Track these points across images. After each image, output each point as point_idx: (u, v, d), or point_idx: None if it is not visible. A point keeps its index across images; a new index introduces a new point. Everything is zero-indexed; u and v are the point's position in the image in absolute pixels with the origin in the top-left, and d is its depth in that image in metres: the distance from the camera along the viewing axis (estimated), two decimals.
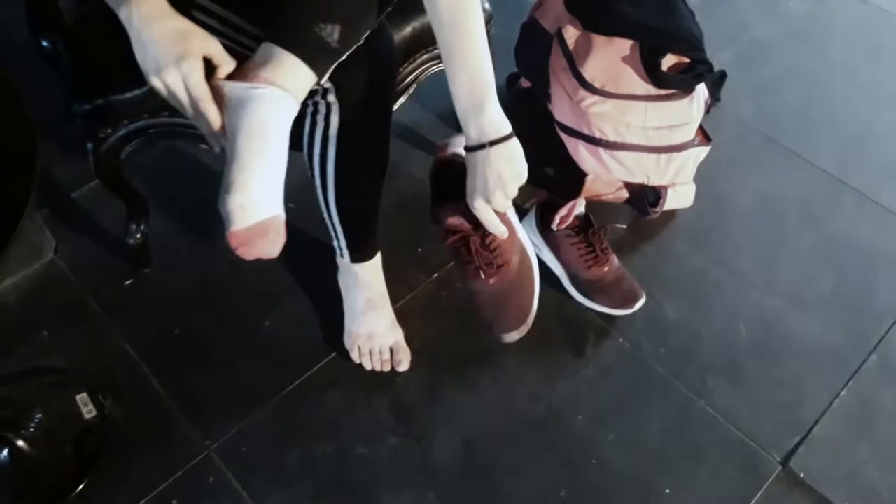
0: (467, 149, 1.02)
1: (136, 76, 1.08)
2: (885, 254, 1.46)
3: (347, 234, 1.20)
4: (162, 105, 1.10)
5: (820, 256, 1.46)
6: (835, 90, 1.76)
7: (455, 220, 1.12)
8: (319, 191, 1.14)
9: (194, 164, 1.52)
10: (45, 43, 1.06)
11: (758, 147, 1.64)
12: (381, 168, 1.15)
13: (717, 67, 1.43)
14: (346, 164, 1.09)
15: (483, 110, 0.98)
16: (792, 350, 1.32)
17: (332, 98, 1.01)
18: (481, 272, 1.13)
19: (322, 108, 1.03)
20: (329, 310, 1.30)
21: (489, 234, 1.10)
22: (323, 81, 0.96)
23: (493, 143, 1.00)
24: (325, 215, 1.18)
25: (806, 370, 1.30)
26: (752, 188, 1.56)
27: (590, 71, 1.37)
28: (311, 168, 1.11)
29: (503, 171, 1.01)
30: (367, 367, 1.25)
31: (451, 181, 1.13)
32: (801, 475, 1.17)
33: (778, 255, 1.46)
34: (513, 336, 1.18)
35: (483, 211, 1.05)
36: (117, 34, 1.12)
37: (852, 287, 1.41)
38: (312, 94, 1.01)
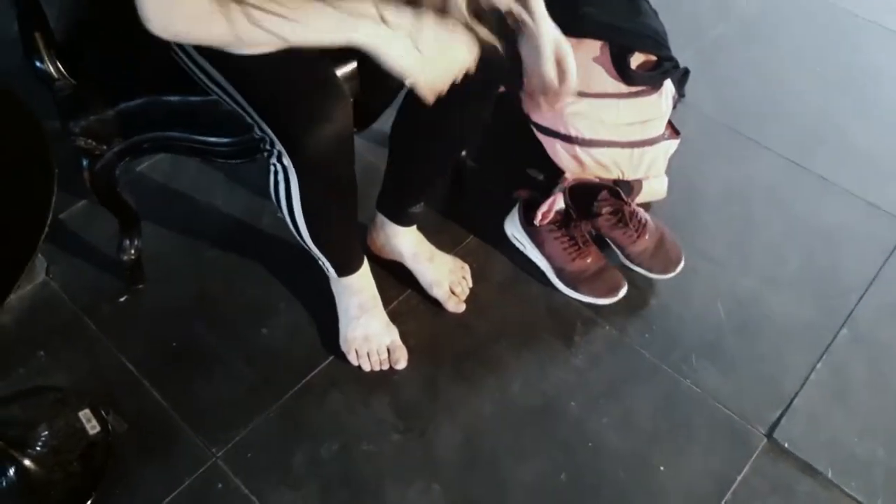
0: None
1: (130, 91, 1.12)
2: (847, 233, 1.54)
3: (329, 258, 1.22)
4: (156, 119, 1.13)
5: (787, 238, 1.53)
6: (789, 81, 1.85)
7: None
8: (293, 231, 1.14)
9: (180, 177, 1.54)
10: (38, 64, 1.08)
11: (722, 138, 1.72)
12: (350, 202, 1.15)
13: (680, 66, 1.50)
14: (313, 212, 1.10)
15: None
16: (768, 328, 1.39)
17: (286, 161, 1.01)
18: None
19: (280, 169, 1.03)
20: (324, 314, 1.33)
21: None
22: (275, 143, 0.99)
23: None
24: (304, 247, 1.19)
25: (783, 346, 1.37)
26: (720, 177, 1.64)
27: None
28: (281, 213, 1.12)
29: None
30: (366, 368, 1.29)
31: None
32: (786, 445, 1.23)
33: (748, 238, 1.53)
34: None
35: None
36: (110, 51, 1.15)
37: (820, 266, 1.49)
38: (269, 152, 1.02)
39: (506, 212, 1.50)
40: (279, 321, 1.35)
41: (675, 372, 1.31)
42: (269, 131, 1.00)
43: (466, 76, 1.07)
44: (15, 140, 0.85)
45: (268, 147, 1.03)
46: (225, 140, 1.15)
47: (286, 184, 1.06)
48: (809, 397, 1.30)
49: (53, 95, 1.11)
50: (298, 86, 0.98)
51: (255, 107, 1.00)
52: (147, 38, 1.08)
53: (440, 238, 1.44)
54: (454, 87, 1.09)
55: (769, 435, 1.25)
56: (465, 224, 1.51)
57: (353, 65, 1.14)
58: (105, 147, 1.13)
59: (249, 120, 1.03)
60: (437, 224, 1.48)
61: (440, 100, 1.12)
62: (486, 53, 1.08)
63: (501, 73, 1.12)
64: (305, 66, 1.00)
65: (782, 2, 2.07)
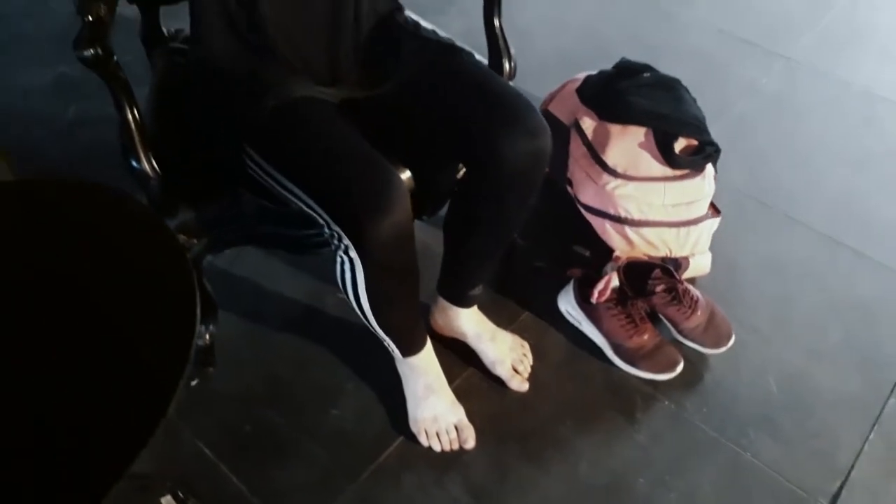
0: None
1: (222, 189, 1.18)
2: (883, 305, 1.61)
3: (394, 339, 1.27)
4: (247, 215, 1.19)
5: (827, 311, 1.59)
6: (814, 156, 1.95)
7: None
8: (360, 315, 1.21)
9: (243, 263, 1.59)
10: (135, 164, 1.14)
11: (755, 213, 1.80)
12: (412, 286, 1.20)
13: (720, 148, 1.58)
14: (378, 298, 1.16)
15: None
16: (818, 400, 1.44)
17: (353, 253, 1.08)
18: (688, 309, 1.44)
19: (346, 260, 1.10)
20: (391, 394, 1.37)
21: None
22: (342, 236, 1.05)
23: None
24: (370, 329, 1.24)
25: (834, 418, 1.41)
26: (757, 251, 1.71)
27: (611, 157, 1.51)
28: (348, 299, 1.18)
29: None
30: (437, 448, 1.32)
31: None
32: None
33: (789, 312, 1.59)
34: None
35: None
36: (197, 148, 1.22)
37: (860, 338, 1.55)
38: (337, 246, 1.09)
39: (557, 287, 1.55)
40: (348, 402, 1.39)
41: (734, 445, 1.35)
42: (335, 227, 1.07)
43: (517, 164, 1.14)
44: (157, 270, 0.89)
45: (336, 241, 1.10)
46: (310, 232, 1.20)
47: (352, 273, 1.12)
48: (866, 469, 1.34)
49: (147, 193, 1.17)
50: (360, 183, 1.05)
51: (322, 205, 1.08)
52: (228, 143, 1.15)
53: (495, 315, 1.49)
54: (505, 174, 1.16)
55: None
56: (518, 300, 1.56)
57: (406, 173, 1.21)
58: (195, 241, 1.18)
59: (319, 219, 1.09)
60: (490, 301, 1.53)
61: (492, 185, 1.19)
62: (535, 142, 1.15)
63: (547, 159, 1.18)
64: (364, 163, 1.07)
65: (800, 80, 2.18)
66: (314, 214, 1.09)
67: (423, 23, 1.26)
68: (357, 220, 1.04)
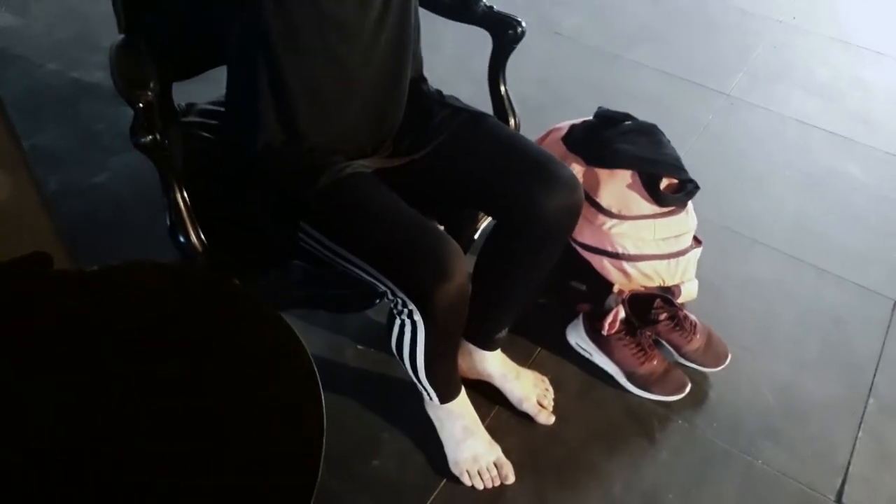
0: None
1: (269, 260, 1.22)
2: (849, 314, 1.79)
3: (435, 388, 1.34)
4: (295, 281, 1.24)
5: (802, 325, 1.76)
6: (765, 185, 2.14)
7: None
8: (410, 371, 1.28)
9: None
10: (182, 239, 1.18)
11: (726, 240, 1.96)
12: (459, 339, 1.28)
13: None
14: (433, 356, 1.24)
15: None
16: (810, 406, 1.59)
17: (417, 317, 1.15)
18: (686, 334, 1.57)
19: (408, 323, 1.18)
20: (425, 439, 1.43)
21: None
22: (407, 302, 1.12)
23: None
24: (413, 379, 1.31)
25: (826, 421, 1.56)
26: (733, 275, 1.87)
27: (605, 199, 1.63)
28: (400, 357, 1.25)
29: None
30: (479, 486, 1.38)
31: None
32: None
33: (770, 328, 1.75)
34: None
35: None
36: (244, 222, 1.26)
37: (835, 346, 1.72)
38: (400, 311, 1.16)
39: (562, 321, 1.66)
40: (386, 452, 1.43)
41: (746, 455, 1.48)
42: (400, 294, 1.13)
43: (554, 219, 1.24)
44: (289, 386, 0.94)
45: (399, 307, 1.16)
46: (352, 291, 1.26)
47: (412, 335, 1.19)
48: (861, 464, 1.49)
49: (192, 265, 1.20)
50: (423, 253, 1.12)
51: (387, 275, 1.13)
52: (283, 222, 1.20)
53: (511, 353, 1.57)
54: (543, 229, 1.26)
55: (838, 500, 1.42)
56: (530, 338, 1.66)
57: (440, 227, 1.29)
58: None
59: (382, 287, 1.15)
60: (505, 340, 1.62)
61: (529, 239, 1.29)
62: (573, 195, 1.26)
63: (580, 211, 1.30)
64: (424, 233, 1.14)
65: (740, 115, 2.40)
66: (375, 282, 1.14)
67: (443, 91, 1.36)
68: (425, 289, 1.10)
